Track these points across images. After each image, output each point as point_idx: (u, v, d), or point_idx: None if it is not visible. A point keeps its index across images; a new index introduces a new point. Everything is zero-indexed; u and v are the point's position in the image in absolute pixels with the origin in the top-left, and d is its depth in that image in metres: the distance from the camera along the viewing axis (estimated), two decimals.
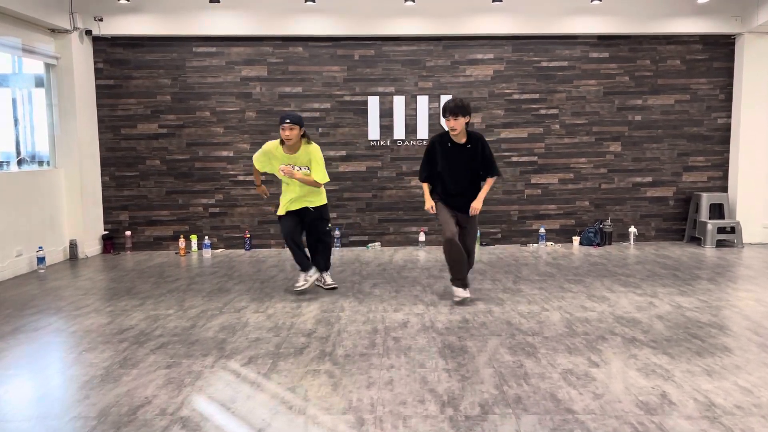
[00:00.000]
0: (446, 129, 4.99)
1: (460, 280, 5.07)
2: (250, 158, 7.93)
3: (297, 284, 5.45)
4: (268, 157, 5.35)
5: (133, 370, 3.60)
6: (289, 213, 5.38)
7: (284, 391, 3.27)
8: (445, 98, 7.93)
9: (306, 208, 5.40)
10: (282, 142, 5.25)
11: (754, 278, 5.99)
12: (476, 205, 4.99)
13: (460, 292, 5.06)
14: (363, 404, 3.09)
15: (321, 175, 5.27)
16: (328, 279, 5.65)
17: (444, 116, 4.89)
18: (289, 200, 5.37)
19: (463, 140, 4.96)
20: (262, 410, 3.04)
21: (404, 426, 2.85)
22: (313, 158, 5.28)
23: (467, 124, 4.90)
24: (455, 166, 5.00)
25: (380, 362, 3.69)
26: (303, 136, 5.27)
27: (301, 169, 5.28)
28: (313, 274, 5.47)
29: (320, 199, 5.48)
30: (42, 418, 2.99)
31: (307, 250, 5.61)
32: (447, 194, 5.07)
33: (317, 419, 2.93)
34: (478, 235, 8.02)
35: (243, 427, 2.86)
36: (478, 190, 5.09)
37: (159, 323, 4.59)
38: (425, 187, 5.15)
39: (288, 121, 5.14)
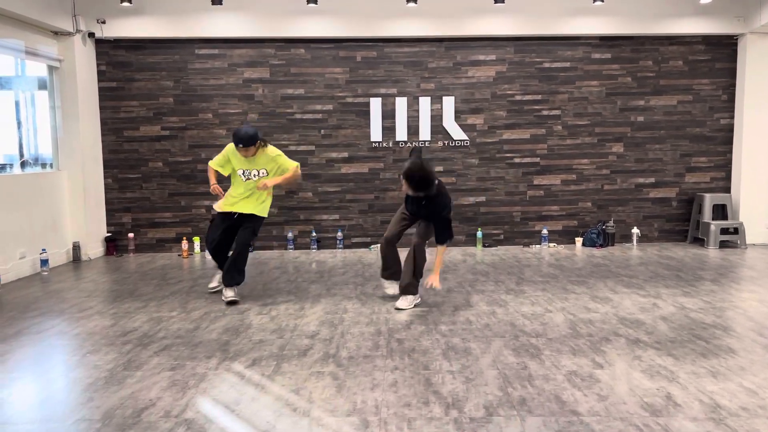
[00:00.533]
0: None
1: (387, 272, 5.29)
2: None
3: (211, 285, 5.67)
4: (227, 158, 5.25)
5: (137, 373, 3.60)
6: (223, 218, 5.31)
7: (288, 393, 3.26)
8: (447, 99, 7.95)
9: (246, 215, 5.28)
10: None
11: (757, 279, 5.98)
12: (435, 282, 4.98)
13: (388, 286, 5.29)
14: (367, 406, 3.09)
15: (289, 163, 5.28)
16: (229, 292, 5.23)
17: (405, 181, 4.72)
18: (237, 196, 5.27)
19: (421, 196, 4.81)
20: (266, 412, 3.03)
21: (409, 428, 2.85)
22: (275, 160, 5.24)
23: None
24: (415, 211, 5.06)
25: (384, 364, 3.69)
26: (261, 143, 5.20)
27: (258, 173, 5.23)
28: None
29: (264, 209, 5.36)
30: (45, 421, 2.98)
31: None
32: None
33: (322, 421, 2.93)
34: (484, 237, 8.04)
35: (247, 429, 2.86)
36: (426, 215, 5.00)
37: (162, 325, 4.59)
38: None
39: (240, 145, 5.01)
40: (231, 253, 5.33)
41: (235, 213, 5.30)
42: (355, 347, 4.02)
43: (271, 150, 5.28)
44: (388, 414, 2.99)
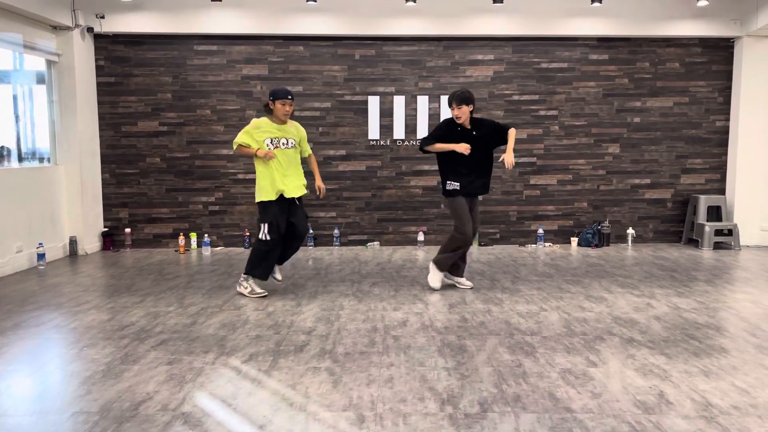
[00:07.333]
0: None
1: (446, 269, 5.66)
2: (250, 157, 7.95)
3: (277, 277, 5.57)
4: (250, 134, 5.15)
5: (134, 366, 3.62)
6: (280, 203, 5.17)
7: (285, 388, 3.29)
8: (445, 98, 7.96)
9: (293, 198, 5.25)
10: (269, 114, 5.26)
11: (750, 280, 6.03)
12: (509, 158, 5.20)
13: (438, 281, 5.61)
14: (363, 401, 3.12)
15: (306, 144, 5.51)
16: (278, 275, 5.57)
17: (450, 107, 5.34)
18: (282, 179, 5.17)
19: (469, 126, 5.39)
20: (263, 407, 3.06)
21: (404, 423, 2.88)
22: (303, 134, 5.44)
23: (471, 112, 5.35)
24: (472, 149, 5.33)
25: (380, 360, 3.72)
26: None
27: (288, 141, 5.26)
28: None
29: (304, 183, 5.40)
30: (43, 414, 3.00)
31: None
32: (461, 176, 5.39)
33: (318, 416, 2.96)
34: (477, 235, 8.07)
35: (244, 424, 2.88)
36: (490, 170, 5.52)
37: (159, 320, 4.61)
38: (437, 146, 5.35)
39: (290, 97, 5.18)
40: (292, 241, 5.38)
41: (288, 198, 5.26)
42: (351, 343, 4.04)
43: (300, 126, 5.48)
44: (383, 409, 3.02)
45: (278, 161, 5.18)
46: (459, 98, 5.27)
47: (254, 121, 5.29)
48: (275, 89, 5.25)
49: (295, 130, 5.38)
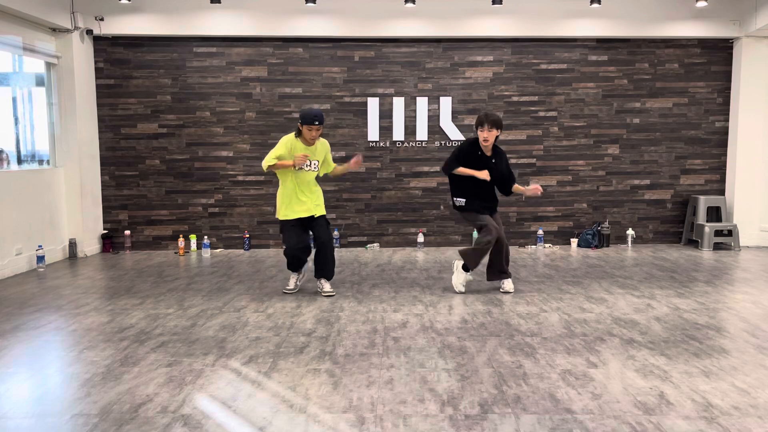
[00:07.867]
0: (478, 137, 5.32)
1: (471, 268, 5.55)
2: (250, 158, 7.96)
3: (288, 287, 5.59)
4: (287, 150, 5.23)
5: (134, 369, 3.61)
6: (296, 222, 5.31)
7: (285, 390, 3.28)
8: (444, 100, 7.99)
9: (313, 216, 5.38)
10: (298, 135, 5.30)
11: (750, 281, 6.02)
12: (536, 187, 5.45)
13: (461, 284, 5.56)
14: (363, 403, 3.11)
15: (331, 160, 5.66)
16: (327, 286, 5.45)
17: (479, 127, 5.23)
18: (298, 203, 5.31)
19: (489, 153, 5.36)
20: (263, 408, 3.05)
21: (404, 425, 2.87)
22: (329, 152, 5.56)
23: (496, 137, 5.30)
24: (490, 176, 5.32)
25: (380, 362, 3.71)
26: None
27: (311, 163, 5.32)
28: (302, 278, 5.70)
29: (323, 205, 5.54)
30: (43, 416, 3.00)
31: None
32: (474, 198, 5.39)
33: (318, 418, 2.95)
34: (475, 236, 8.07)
35: (244, 426, 2.88)
36: (496, 200, 5.53)
37: (159, 322, 4.60)
38: (461, 169, 5.31)
39: (317, 123, 5.18)
40: (317, 250, 5.41)
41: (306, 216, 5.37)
42: (351, 345, 4.04)
43: (327, 144, 5.56)
44: (383, 411, 3.02)
45: (302, 182, 5.30)
46: (492, 121, 5.17)
47: (284, 140, 5.30)
48: (304, 112, 5.23)
49: (322, 149, 5.43)
